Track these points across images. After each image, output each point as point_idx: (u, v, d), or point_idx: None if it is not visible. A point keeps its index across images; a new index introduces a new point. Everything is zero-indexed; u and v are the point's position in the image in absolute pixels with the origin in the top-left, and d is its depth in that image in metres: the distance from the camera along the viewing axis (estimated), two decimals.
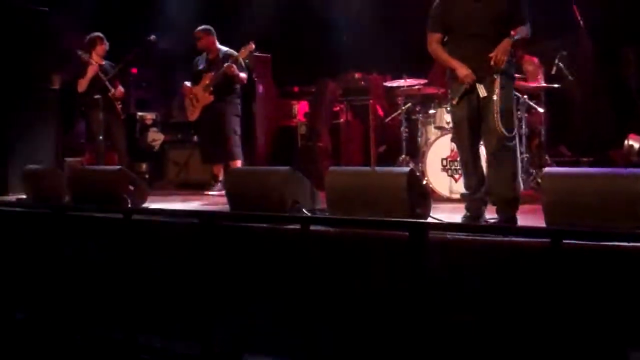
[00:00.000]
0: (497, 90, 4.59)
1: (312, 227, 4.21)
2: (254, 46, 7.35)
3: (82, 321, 5.23)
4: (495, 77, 4.60)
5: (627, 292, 3.51)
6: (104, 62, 7.87)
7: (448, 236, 4.00)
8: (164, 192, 7.87)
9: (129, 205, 5.52)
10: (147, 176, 8.83)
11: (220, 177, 7.49)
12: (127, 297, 4.87)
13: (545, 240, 3.70)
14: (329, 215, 4.54)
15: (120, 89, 7.83)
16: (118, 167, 6.81)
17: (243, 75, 7.50)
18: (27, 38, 8.01)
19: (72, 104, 9.23)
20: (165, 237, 4.89)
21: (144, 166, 9.19)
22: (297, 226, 4.31)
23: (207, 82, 7.51)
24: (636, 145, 7.09)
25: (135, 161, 8.93)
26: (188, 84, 7.73)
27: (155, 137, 9.68)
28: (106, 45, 7.85)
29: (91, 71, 7.68)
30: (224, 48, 7.61)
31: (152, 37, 7.89)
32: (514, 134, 4.67)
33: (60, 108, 8.35)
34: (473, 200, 4.80)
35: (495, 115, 4.58)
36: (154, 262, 4.84)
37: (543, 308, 3.49)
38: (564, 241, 3.48)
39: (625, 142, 7.14)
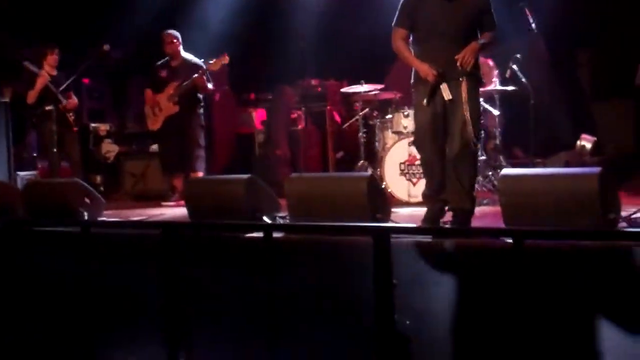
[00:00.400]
0: (464, 95, 4.55)
1: (275, 235, 4.16)
2: (228, 59, 7.18)
3: (40, 337, 5.10)
4: (461, 79, 4.56)
5: (588, 289, 3.56)
6: (55, 73, 7.69)
7: (411, 240, 4.02)
8: (121, 204, 7.75)
9: (86, 218, 5.42)
10: (102, 188, 8.69)
11: (179, 189, 7.32)
12: (87, 312, 4.76)
13: (506, 240, 3.76)
14: (292, 222, 4.51)
15: (73, 100, 7.69)
16: (73, 179, 6.70)
17: (210, 86, 7.40)
18: None
19: (23, 116, 9.07)
20: (126, 249, 4.80)
21: (99, 178, 9.05)
22: (260, 234, 4.26)
23: (172, 91, 7.32)
24: (588, 146, 7.24)
25: (90, 173, 8.78)
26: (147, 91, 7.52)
27: (110, 149, 9.56)
28: (57, 55, 7.68)
29: (40, 83, 7.50)
30: (188, 56, 7.46)
31: (106, 46, 7.73)
32: (478, 141, 4.68)
33: (10, 120, 8.16)
34: (435, 202, 4.77)
35: (464, 122, 4.53)
36: (114, 275, 4.74)
37: (507, 308, 3.50)
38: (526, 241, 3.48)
39: (578, 142, 7.29)
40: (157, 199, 7.74)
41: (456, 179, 4.62)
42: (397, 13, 4.75)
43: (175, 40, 7.37)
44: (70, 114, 7.65)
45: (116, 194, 8.62)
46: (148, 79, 7.66)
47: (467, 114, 4.54)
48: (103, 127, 9.70)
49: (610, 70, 7.70)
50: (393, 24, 4.77)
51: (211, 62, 7.19)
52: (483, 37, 4.64)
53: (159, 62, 7.51)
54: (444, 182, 4.69)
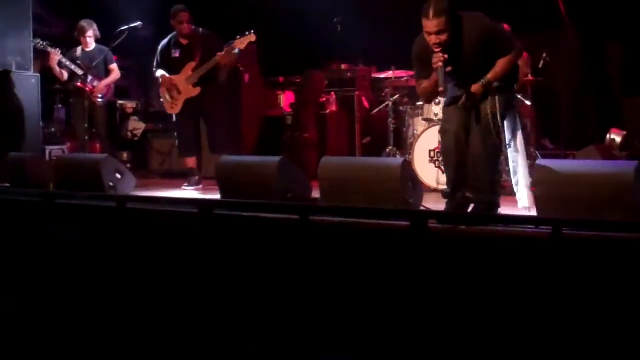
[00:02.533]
0: (489, 95, 4.59)
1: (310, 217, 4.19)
2: (255, 37, 6.73)
3: (72, 310, 5.16)
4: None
5: (622, 281, 3.57)
6: (91, 48, 7.69)
7: (447, 226, 4.04)
8: (149, 181, 7.80)
9: (117, 194, 5.48)
10: (129, 165, 8.74)
11: (195, 172, 7.12)
12: (120, 286, 4.82)
13: (537, 229, 3.79)
14: (329, 205, 4.53)
15: (101, 84, 7.62)
16: (104, 155, 6.76)
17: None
18: (8, 23, 7.89)
19: (51, 92, 9.15)
20: (161, 226, 4.83)
21: (126, 155, 9.09)
22: (295, 216, 4.29)
23: (190, 72, 6.88)
24: (618, 140, 7.21)
25: (117, 150, 8.83)
26: (159, 73, 7.06)
27: (136, 126, 9.60)
28: (93, 32, 7.66)
29: (52, 60, 7.47)
30: (201, 30, 6.98)
31: (139, 24, 7.71)
32: (500, 138, 4.66)
33: (40, 95, 8.23)
34: (454, 200, 4.77)
35: (486, 115, 4.56)
36: (148, 251, 4.78)
37: (545, 297, 3.52)
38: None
39: (608, 136, 7.26)
40: (183, 178, 7.77)
41: (476, 173, 4.63)
42: (414, 67, 4.79)
43: (186, 18, 6.88)
44: (94, 95, 7.57)
45: (143, 171, 8.68)
46: (157, 59, 7.17)
47: (489, 109, 4.57)
48: (130, 105, 9.71)
49: None
50: (414, 77, 4.81)
51: (237, 39, 6.73)
52: (494, 68, 4.58)
53: (168, 42, 7.07)
54: (462, 175, 4.70)
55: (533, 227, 3.89)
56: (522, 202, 5.15)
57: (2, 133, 7.67)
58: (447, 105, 4.88)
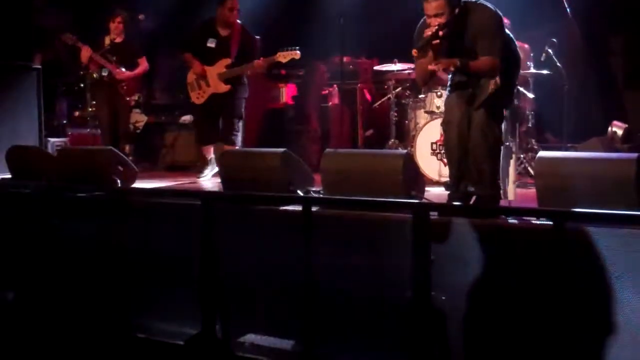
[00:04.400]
0: (491, 86, 4.60)
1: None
2: (299, 55, 6.66)
3: (74, 303, 5.18)
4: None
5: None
6: (120, 39, 7.65)
7: (449, 219, 4.05)
8: (151, 174, 7.81)
9: (118, 186, 5.48)
10: (131, 158, 8.75)
11: (210, 158, 7.15)
12: (121, 278, 4.83)
13: (538, 222, 3.80)
14: (331, 196, 4.55)
15: (122, 72, 7.60)
16: (107, 147, 6.77)
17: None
18: (8, 15, 7.87)
19: (53, 84, 9.15)
20: (164, 218, 4.85)
21: (128, 147, 9.09)
22: (296, 207, 4.31)
23: (224, 70, 6.83)
24: (619, 132, 7.21)
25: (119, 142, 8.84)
26: (191, 57, 6.92)
27: (139, 119, 9.61)
28: (120, 22, 7.56)
29: (84, 57, 7.50)
30: (242, 25, 6.85)
31: (141, 16, 7.71)
32: (501, 131, 4.67)
33: (42, 87, 8.22)
34: (455, 193, 4.80)
35: (486, 109, 4.58)
36: (151, 243, 4.80)
37: (542, 288, 3.54)
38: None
39: (610, 128, 7.27)
40: (186, 170, 7.80)
41: (477, 166, 4.66)
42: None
43: (237, 7, 6.73)
44: (123, 84, 7.58)
45: (145, 163, 8.69)
46: (186, 41, 7.07)
47: (491, 102, 4.58)
48: (132, 97, 9.71)
49: None
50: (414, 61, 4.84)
51: (282, 53, 6.66)
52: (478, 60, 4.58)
53: (203, 28, 6.93)
54: (465, 168, 4.73)
55: (534, 219, 3.90)
56: (508, 196, 5.18)
57: (2, 126, 7.66)
58: (449, 93, 4.88)
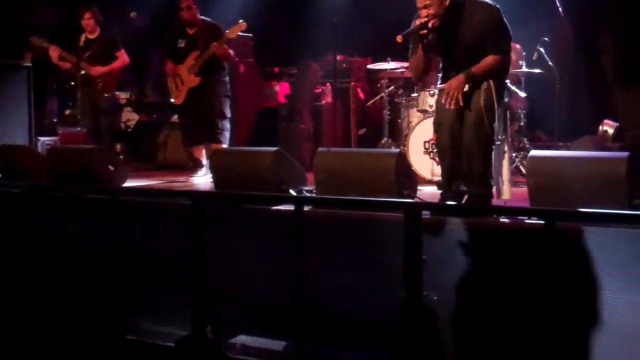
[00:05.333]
0: (484, 84, 4.61)
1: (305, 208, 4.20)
2: (245, 25, 6.77)
3: (66, 304, 5.16)
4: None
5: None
6: (94, 35, 7.56)
7: (441, 218, 4.06)
8: (143, 173, 7.78)
9: (109, 185, 5.46)
10: (122, 157, 8.73)
11: (203, 160, 7.13)
12: (114, 280, 4.81)
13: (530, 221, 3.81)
14: (324, 196, 4.55)
15: (96, 68, 7.53)
16: (98, 146, 6.75)
17: (232, 52, 7.05)
18: None
19: (43, 82, 9.11)
20: (155, 218, 4.83)
21: (119, 146, 9.07)
22: (288, 207, 4.30)
23: (193, 62, 6.92)
24: (610, 131, 7.24)
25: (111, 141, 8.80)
26: (167, 62, 7.12)
27: (130, 117, 9.60)
28: (91, 18, 7.48)
29: (53, 57, 7.39)
30: (206, 20, 7.05)
31: (133, 13, 7.66)
32: (493, 130, 4.67)
33: (32, 86, 8.19)
34: (448, 192, 4.82)
35: (479, 108, 4.60)
36: (142, 243, 4.79)
37: (539, 289, 3.54)
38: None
39: (600, 127, 7.30)
40: (177, 170, 7.77)
41: (469, 165, 4.67)
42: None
43: (192, 5, 6.91)
44: (98, 80, 7.54)
45: (137, 162, 8.67)
46: (163, 48, 7.32)
47: (483, 101, 4.60)
48: (123, 96, 9.68)
49: (633, 57, 7.68)
50: (409, 55, 4.85)
51: (227, 31, 6.77)
52: (480, 63, 4.61)
53: (174, 30, 7.11)
54: (458, 167, 4.74)
55: (526, 218, 3.91)
56: (504, 195, 5.19)
57: None
58: (440, 91, 4.88)
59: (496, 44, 4.62)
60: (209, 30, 6.97)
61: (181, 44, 7.04)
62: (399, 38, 4.58)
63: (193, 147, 7.23)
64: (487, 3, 4.64)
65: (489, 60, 4.62)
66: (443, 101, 4.68)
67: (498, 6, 4.64)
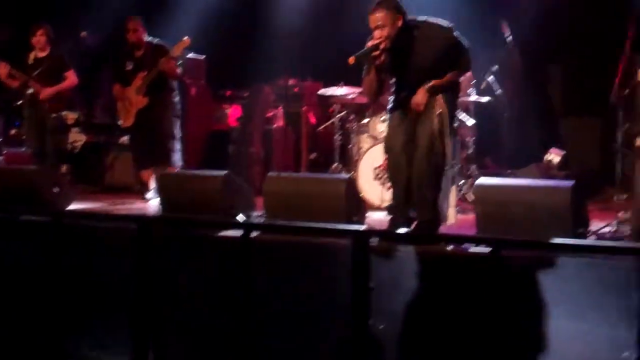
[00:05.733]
0: (436, 108, 4.62)
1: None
2: (189, 41, 6.75)
3: (5, 328, 5.01)
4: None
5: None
6: (44, 54, 7.42)
7: (387, 244, 4.06)
8: (88, 195, 7.62)
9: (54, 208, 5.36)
10: (67, 178, 8.54)
11: (152, 183, 6.92)
12: (55, 305, 4.69)
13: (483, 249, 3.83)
14: (271, 222, 4.52)
15: (46, 89, 7.38)
16: (43, 167, 6.61)
17: (179, 70, 7.01)
18: None
19: None
20: (99, 242, 4.74)
21: (65, 167, 8.87)
22: (237, 232, 4.25)
23: (140, 82, 6.88)
24: (556, 159, 7.37)
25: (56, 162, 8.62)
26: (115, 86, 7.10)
27: (77, 138, 9.38)
28: (42, 35, 7.33)
29: (2, 74, 7.26)
30: (153, 40, 7.01)
31: (83, 33, 7.56)
32: (444, 156, 4.69)
33: None
34: (397, 218, 4.79)
35: (432, 133, 4.60)
36: (86, 267, 4.68)
37: (480, 313, 3.56)
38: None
39: (546, 155, 7.43)
40: (125, 192, 7.64)
41: (420, 190, 4.66)
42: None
43: (139, 28, 6.90)
44: (46, 100, 7.37)
45: (82, 184, 8.49)
46: (113, 72, 7.27)
47: (436, 127, 4.60)
48: (71, 116, 9.42)
49: (580, 87, 7.86)
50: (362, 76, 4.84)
51: (174, 46, 6.74)
52: (435, 81, 4.64)
53: (122, 53, 7.08)
54: (409, 192, 4.72)
55: (473, 245, 3.94)
56: (449, 220, 5.23)
57: None
58: (391, 112, 4.89)
59: (455, 62, 4.68)
60: (155, 51, 6.95)
61: (129, 66, 7.02)
62: (351, 60, 4.60)
63: (143, 169, 7.12)
64: (440, 24, 4.69)
65: (449, 75, 4.68)
66: (412, 106, 4.67)
67: (452, 25, 4.69)
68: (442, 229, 4.93)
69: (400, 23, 4.59)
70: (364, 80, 4.82)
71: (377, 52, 4.57)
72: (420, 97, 4.64)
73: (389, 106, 4.96)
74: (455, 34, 4.68)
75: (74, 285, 4.68)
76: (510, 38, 6.71)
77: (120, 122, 7.20)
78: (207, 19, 8.57)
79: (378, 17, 4.56)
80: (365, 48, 4.60)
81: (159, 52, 6.90)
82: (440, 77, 4.67)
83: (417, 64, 4.66)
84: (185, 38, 6.76)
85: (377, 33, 4.58)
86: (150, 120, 6.95)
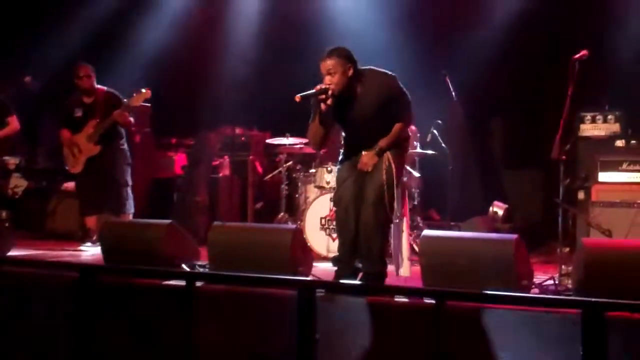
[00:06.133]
0: (385, 163, 4.67)
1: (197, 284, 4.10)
2: (149, 94, 6.71)
3: None
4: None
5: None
6: None
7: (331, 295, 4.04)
8: (29, 242, 7.43)
9: None
10: (7, 225, 8.31)
11: (95, 231, 6.80)
12: None
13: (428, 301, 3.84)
14: (215, 272, 4.46)
15: None
16: None
17: (131, 119, 6.94)
18: None
19: None
20: (37, 291, 4.60)
21: (5, 214, 8.65)
22: (179, 282, 4.18)
23: (92, 130, 6.81)
24: (500, 212, 7.51)
25: None
26: (63, 132, 6.96)
27: (18, 183, 9.19)
28: None
29: None
30: (103, 88, 6.95)
31: (27, 78, 7.46)
32: (392, 209, 4.71)
33: None
34: (344, 269, 4.78)
35: (380, 187, 4.62)
36: (23, 316, 4.53)
37: None
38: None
39: (491, 208, 7.56)
40: (67, 239, 7.47)
41: (366, 243, 4.67)
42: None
43: (91, 74, 6.85)
44: None
45: (23, 231, 8.27)
46: (60, 118, 7.14)
47: (385, 180, 4.64)
48: (12, 161, 9.28)
49: (522, 140, 8.07)
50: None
51: (132, 97, 6.70)
52: (383, 142, 4.70)
53: (71, 99, 7.01)
54: (355, 243, 4.72)
55: (418, 297, 3.95)
56: (403, 271, 5.24)
57: None
58: (340, 164, 4.91)
59: (397, 112, 4.71)
60: (107, 99, 6.90)
61: (78, 112, 6.94)
62: (297, 98, 4.59)
63: (89, 215, 6.98)
64: (383, 72, 4.75)
65: (395, 130, 4.71)
66: (359, 167, 4.70)
67: (394, 74, 4.75)
68: (396, 280, 4.94)
69: (350, 72, 4.65)
70: (309, 127, 4.84)
71: (323, 96, 4.61)
72: (368, 158, 4.69)
73: (339, 158, 4.99)
74: (399, 83, 4.75)
75: (9, 334, 4.50)
76: (453, 92, 6.86)
77: (67, 168, 7.05)
78: (152, 66, 8.58)
79: (329, 64, 4.61)
80: (314, 90, 4.63)
81: (112, 101, 6.87)
82: (384, 127, 4.71)
83: (363, 113, 4.70)
84: (146, 89, 6.72)
85: (327, 79, 4.62)
86: (101, 167, 6.86)
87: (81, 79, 6.83)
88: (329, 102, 4.61)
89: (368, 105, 4.68)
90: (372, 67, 4.77)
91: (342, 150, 4.98)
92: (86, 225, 7.02)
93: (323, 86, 4.61)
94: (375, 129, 4.73)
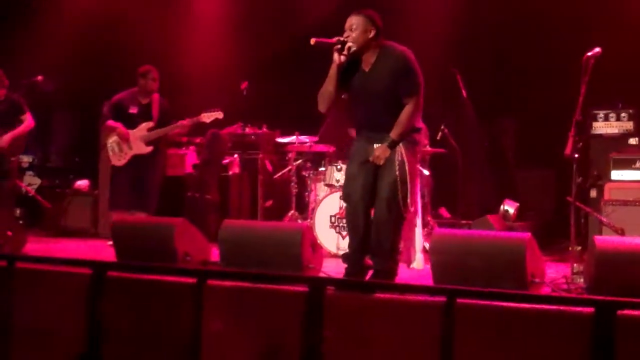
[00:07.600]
0: (398, 157, 4.59)
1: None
2: (222, 115, 6.92)
3: None
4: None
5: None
6: None
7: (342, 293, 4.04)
8: (42, 239, 7.48)
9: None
10: (21, 222, 8.37)
11: None
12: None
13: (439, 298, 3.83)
14: (227, 269, 4.47)
15: (6, 136, 7.24)
16: None
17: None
18: None
19: None
20: (51, 286, 4.62)
21: (18, 211, 8.71)
22: (192, 279, 4.20)
23: (145, 132, 6.96)
24: (511, 211, 7.49)
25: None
26: (113, 123, 7.00)
27: (31, 182, 9.28)
28: None
29: None
30: (162, 99, 7.11)
31: (40, 77, 7.51)
32: (406, 205, 4.63)
33: None
34: (354, 266, 4.73)
35: (394, 183, 4.56)
36: (38, 311, 4.56)
37: None
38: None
39: (501, 207, 7.54)
40: (78, 236, 7.52)
41: (378, 240, 4.62)
42: None
43: (157, 78, 7.05)
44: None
45: (36, 228, 8.34)
46: (110, 110, 7.13)
47: (398, 176, 4.58)
48: (25, 159, 9.41)
49: (533, 139, 8.04)
50: None
51: (205, 113, 6.88)
52: (396, 125, 4.61)
53: (124, 95, 7.11)
54: (366, 241, 4.68)
55: (428, 295, 3.94)
56: (416, 264, 5.23)
57: None
58: (351, 160, 4.83)
59: (409, 84, 4.58)
60: (162, 105, 7.09)
61: (133, 109, 7.06)
62: (312, 40, 4.55)
63: (117, 210, 7.01)
64: (403, 47, 4.67)
65: (403, 117, 4.59)
66: (372, 160, 4.66)
67: (409, 50, 4.67)
68: (413, 274, 4.93)
69: (372, 35, 4.59)
70: (320, 92, 4.73)
71: (339, 46, 4.57)
72: (380, 151, 4.62)
73: (351, 152, 4.93)
74: (415, 62, 4.66)
75: (27, 330, 4.54)
76: (464, 90, 6.85)
77: (111, 160, 7.12)
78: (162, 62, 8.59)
79: (353, 19, 4.61)
80: (332, 40, 4.59)
81: (166, 108, 7.07)
82: (394, 103, 4.61)
83: (374, 82, 4.61)
84: (219, 110, 6.89)
85: (347, 33, 4.61)
86: (145, 167, 6.99)
87: (150, 80, 6.99)
88: (343, 56, 4.59)
89: (380, 77, 4.59)
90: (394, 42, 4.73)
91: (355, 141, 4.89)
92: (111, 218, 6.91)
93: (341, 38, 4.59)
94: (385, 106, 4.62)
